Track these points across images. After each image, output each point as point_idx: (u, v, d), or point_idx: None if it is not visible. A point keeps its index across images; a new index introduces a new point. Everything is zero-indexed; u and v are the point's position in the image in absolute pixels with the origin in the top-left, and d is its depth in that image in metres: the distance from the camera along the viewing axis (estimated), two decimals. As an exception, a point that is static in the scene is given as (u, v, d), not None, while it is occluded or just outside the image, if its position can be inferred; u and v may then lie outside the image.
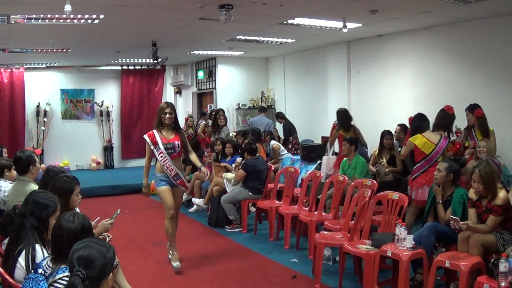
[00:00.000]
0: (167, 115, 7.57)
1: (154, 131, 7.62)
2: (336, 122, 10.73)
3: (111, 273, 3.15)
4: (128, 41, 12.36)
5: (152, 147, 7.56)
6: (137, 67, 18.40)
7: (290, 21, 10.31)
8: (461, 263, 5.54)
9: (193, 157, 7.93)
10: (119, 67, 18.35)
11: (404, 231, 6.04)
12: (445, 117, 8.38)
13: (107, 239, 4.92)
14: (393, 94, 12.24)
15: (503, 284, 4.83)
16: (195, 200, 11.39)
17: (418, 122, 8.45)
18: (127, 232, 9.67)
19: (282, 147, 12.77)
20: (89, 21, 9.60)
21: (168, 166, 7.56)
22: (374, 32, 12.02)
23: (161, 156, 7.53)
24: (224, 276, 7.07)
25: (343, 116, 10.52)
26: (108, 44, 12.82)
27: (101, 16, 9.32)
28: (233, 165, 10.47)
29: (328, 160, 10.64)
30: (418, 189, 7.95)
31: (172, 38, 12.17)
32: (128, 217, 10.95)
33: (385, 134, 10.01)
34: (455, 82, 10.70)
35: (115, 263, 3.22)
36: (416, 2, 8.81)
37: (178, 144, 7.65)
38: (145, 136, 7.65)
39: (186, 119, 15.85)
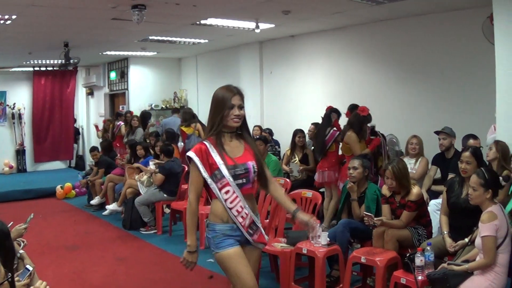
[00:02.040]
0: (236, 111, 4.08)
1: (207, 143, 4.12)
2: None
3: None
4: (40, 42, 12.09)
5: (205, 175, 4.07)
6: (49, 68, 18.01)
7: (203, 22, 10.30)
8: (377, 258, 5.67)
9: (280, 192, 4.51)
10: (31, 69, 17.90)
11: (319, 228, 6.14)
12: (357, 118, 8.67)
13: (22, 244, 4.83)
14: (305, 93, 12.42)
15: (419, 277, 4.97)
16: (109, 206, 11.24)
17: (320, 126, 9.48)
18: (41, 237, 9.45)
19: None
20: (1, 21, 9.37)
21: (239, 210, 4.16)
22: (286, 32, 12.15)
23: (227, 193, 4.09)
24: (140, 279, 7.02)
25: (184, 114, 12.38)
26: (20, 45, 12.51)
27: (14, 17, 9.10)
28: (148, 167, 10.33)
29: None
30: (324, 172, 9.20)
31: (84, 39, 11.97)
32: (42, 222, 10.68)
33: (297, 132, 10.22)
34: (365, 81, 10.94)
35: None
36: (328, 3, 8.92)
37: (253, 166, 4.15)
38: (191, 154, 4.09)
39: (104, 121, 15.53)
